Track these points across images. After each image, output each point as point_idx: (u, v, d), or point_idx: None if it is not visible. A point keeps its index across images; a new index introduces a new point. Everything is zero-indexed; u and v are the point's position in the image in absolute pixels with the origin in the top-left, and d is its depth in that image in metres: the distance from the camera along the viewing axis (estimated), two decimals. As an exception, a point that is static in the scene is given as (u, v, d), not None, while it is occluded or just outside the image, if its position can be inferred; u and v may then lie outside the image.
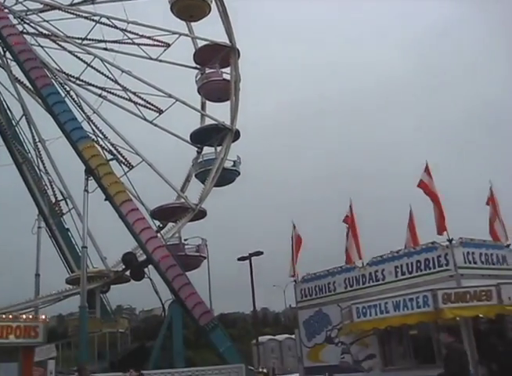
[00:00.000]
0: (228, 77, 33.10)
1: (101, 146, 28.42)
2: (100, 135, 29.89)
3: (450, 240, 13.79)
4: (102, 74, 31.84)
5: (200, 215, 30.54)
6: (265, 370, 32.49)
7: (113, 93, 32.37)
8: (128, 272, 25.94)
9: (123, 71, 31.40)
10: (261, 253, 28.52)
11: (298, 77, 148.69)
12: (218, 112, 33.36)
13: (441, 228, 14.68)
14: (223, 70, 33.67)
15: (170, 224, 30.04)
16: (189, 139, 32.47)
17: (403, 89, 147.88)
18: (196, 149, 32.84)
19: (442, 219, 14.52)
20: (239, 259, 29.62)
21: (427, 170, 15.19)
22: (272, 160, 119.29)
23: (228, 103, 32.68)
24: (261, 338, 47.29)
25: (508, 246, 15.40)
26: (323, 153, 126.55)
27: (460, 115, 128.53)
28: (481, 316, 13.38)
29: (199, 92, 33.85)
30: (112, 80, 31.85)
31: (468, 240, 14.13)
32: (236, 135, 32.04)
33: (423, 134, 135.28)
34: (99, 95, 31.88)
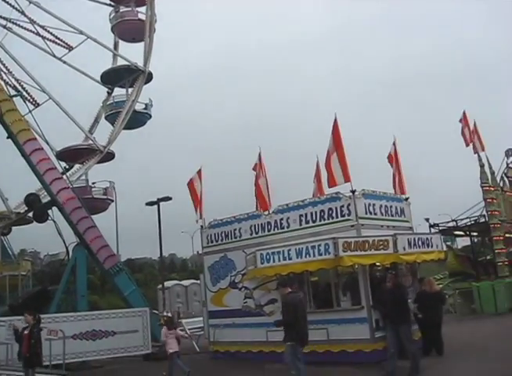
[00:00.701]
0: (143, 17, 32.11)
1: (4, 80, 26.99)
2: (4, 69, 28.40)
3: (353, 192, 14.23)
4: (7, 3, 29.93)
5: (109, 157, 29.95)
6: (169, 314, 32.71)
7: (19, 25, 30.62)
8: (30, 214, 25.16)
9: (30, 2, 29.72)
10: (170, 198, 28.29)
11: (223, 27, 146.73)
12: (132, 53, 32.48)
13: (335, 180, 15.08)
14: (139, 9, 32.61)
15: (77, 166, 29.32)
16: (99, 79, 31.45)
17: (323, 42, 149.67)
18: (107, 89, 31.90)
19: (345, 169, 14.85)
20: (147, 204, 29.27)
21: (335, 122, 15.44)
22: (187, 107, 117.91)
23: (142, 43, 31.79)
24: (167, 283, 47.56)
25: (407, 199, 16.11)
26: (239, 103, 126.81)
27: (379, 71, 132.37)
28: (377, 263, 14.13)
29: (112, 31, 32.68)
30: (18, 11, 30.10)
31: (370, 192, 14.66)
32: (149, 78, 31.32)
33: (338, 88, 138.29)
34: (4, 27, 30.00)
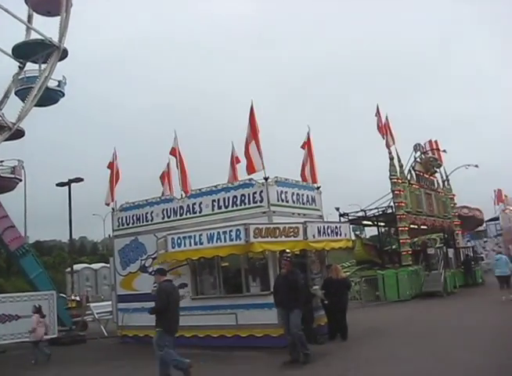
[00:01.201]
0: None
1: None
2: None
3: (266, 179, 14.37)
4: None
5: (18, 135, 28.69)
6: (77, 298, 32.06)
7: None
8: None
9: None
10: (82, 180, 27.63)
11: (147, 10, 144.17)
12: (47, 27, 31.12)
13: (254, 167, 15.17)
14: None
15: (-18, 144, 27.94)
16: (11, 52, 30.06)
17: (241, 34, 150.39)
18: (19, 64, 30.52)
19: (260, 158, 14.94)
20: (58, 185, 28.45)
21: (252, 110, 15.50)
22: (102, 88, 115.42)
23: (58, 18, 30.55)
24: (77, 266, 46.61)
25: (318, 188, 16.45)
26: (160, 87, 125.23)
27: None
28: (287, 250, 14.38)
29: (26, 2, 31.25)
30: None
31: (282, 180, 14.86)
32: (64, 55, 30.20)
33: (258, 78, 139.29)
34: None
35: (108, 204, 18.36)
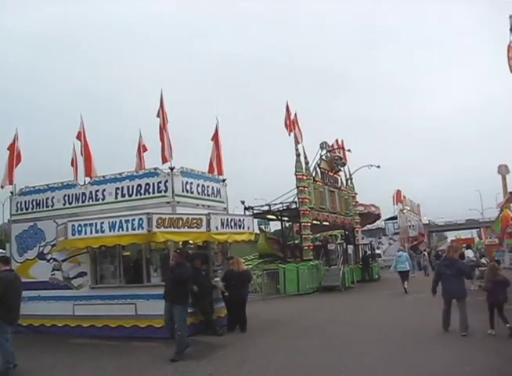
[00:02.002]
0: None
1: None
2: None
3: (171, 168, 14.26)
4: None
5: None
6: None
7: None
8: None
9: None
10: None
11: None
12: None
13: (164, 158, 15.10)
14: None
15: None
16: None
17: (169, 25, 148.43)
18: None
19: (169, 148, 14.88)
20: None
21: (161, 100, 15.33)
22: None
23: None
24: (-29, 252, 44.41)
25: (224, 180, 16.52)
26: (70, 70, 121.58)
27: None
28: (190, 241, 14.39)
29: None
30: None
31: (188, 170, 14.74)
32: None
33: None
34: None
35: (2, 187, 17.57)
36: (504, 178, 53.06)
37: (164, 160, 15.09)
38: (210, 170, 16.66)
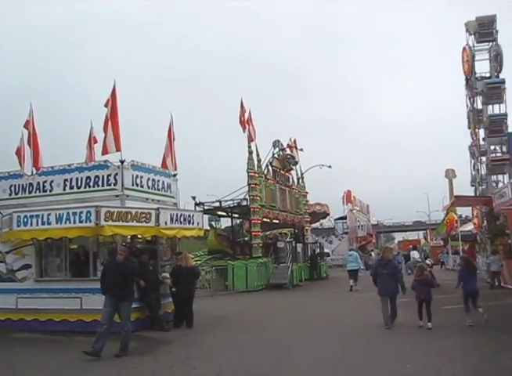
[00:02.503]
0: None
1: None
2: None
3: (122, 162, 14.04)
4: None
5: None
6: None
7: None
8: None
9: None
10: None
11: None
12: None
13: (114, 147, 14.80)
14: None
15: None
16: None
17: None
18: None
19: (117, 140, 14.69)
20: None
21: (114, 89, 15.10)
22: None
23: None
24: None
25: (175, 175, 16.41)
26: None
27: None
28: (138, 236, 14.25)
29: None
30: None
31: (139, 164, 14.55)
32: None
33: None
34: None
35: None
36: (451, 182, 54.53)
37: (105, 152, 14.84)
38: (164, 165, 16.53)
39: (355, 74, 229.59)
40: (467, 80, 36.72)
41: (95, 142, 18.45)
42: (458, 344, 10.94)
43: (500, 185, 28.49)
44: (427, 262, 24.63)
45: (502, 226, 24.07)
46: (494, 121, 34.23)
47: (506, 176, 33.40)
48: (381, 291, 13.31)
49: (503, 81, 34.62)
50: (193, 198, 29.97)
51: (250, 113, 31.71)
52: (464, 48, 35.23)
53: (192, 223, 15.32)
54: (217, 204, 31.79)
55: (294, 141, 37.68)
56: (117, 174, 13.93)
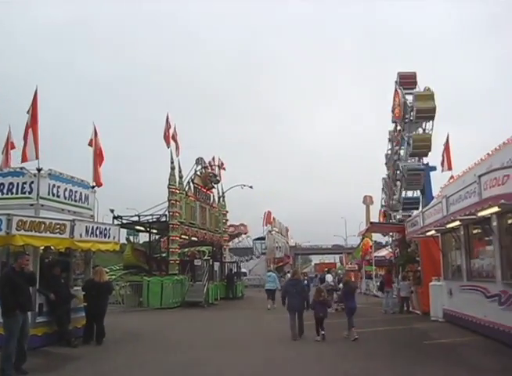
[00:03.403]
0: None
1: None
2: None
3: (39, 170, 13.57)
4: None
5: None
6: None
7: None
8: None
9: None
10: None
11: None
12: None
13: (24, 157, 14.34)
14: None
15: None
16: None
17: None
18: None
19: (35, 147, 14.18)
20: None
21: (35, 95, 14.63)
22: None
23: None
24: None
25: (93, 187, 15.98)
26: None
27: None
28: (52, 247, 13.78)
29: None
30: None
31: (57, 173, 14.09)
32: None
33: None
34: None
35: None
36: (368, 209, 56.01)
37: (24, 159, 14.30)
38: (97, 181, 16.19)
39: (280, 100, 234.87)
40: (395, 122, 35.75)
41: (13, 147, 17.75)
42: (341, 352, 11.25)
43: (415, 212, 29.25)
44: (340, 285, 25.13)
45: (413, 253, 24.88)
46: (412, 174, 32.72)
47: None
48: (289, 306, 14.82)
49: (422, 169, 32.19)
50: (112, 211, 29.48)
51: (175, 129, 31.56)
52: (396, 91, 34.26)
53: (109, 237, 15.00)
54: (136, 219, 31.33)
55: (219, 159, 37.81)
56: (32, 182, 13.41)
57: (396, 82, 34.31)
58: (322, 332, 14.25)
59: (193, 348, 13.63)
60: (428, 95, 31.53)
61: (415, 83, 33.49)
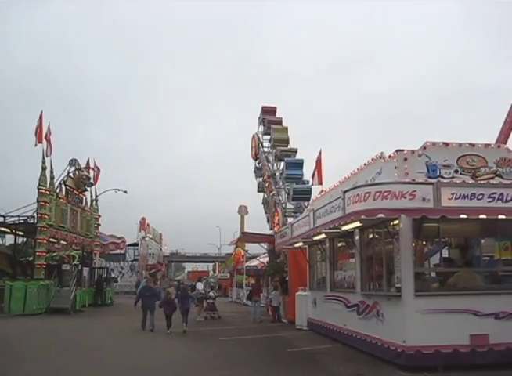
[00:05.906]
0: None
1: None
2: None
3: None
4: None
5: None
6: None
7: None
8: None
9: None
10: None
11: None
12: None
13: None
14: None
15: None
16: None
17: None
18: None
19: None
20: None
21: None
22: None
23: None
24: None
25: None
26: None
27: None
28: None
29: None
30: None
31: None
32: None
33: None
34: None
35: None
36: (243, 218, 56.80)
37: None
38: None
39: (157, 112, 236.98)
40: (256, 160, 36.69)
41: None
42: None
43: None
44: (211, 293, 25.36)
45: (282, 264, 25.57)
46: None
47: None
48: (144, 306, 19.63)
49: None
50: (-29, 210, 27.86)
51: (49, 128, 30.47)
52: (254, 136, 36.08)
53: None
54: (1, 220, 29.79)
55: (94, 162, 37.06)
56: None
57: (259, 118, 36.21)
58: (169, 329, 18.17)
59: (52, 358, 13.11)
60: (284, 129, 33.82)
61: (275, 113, 36.09)
